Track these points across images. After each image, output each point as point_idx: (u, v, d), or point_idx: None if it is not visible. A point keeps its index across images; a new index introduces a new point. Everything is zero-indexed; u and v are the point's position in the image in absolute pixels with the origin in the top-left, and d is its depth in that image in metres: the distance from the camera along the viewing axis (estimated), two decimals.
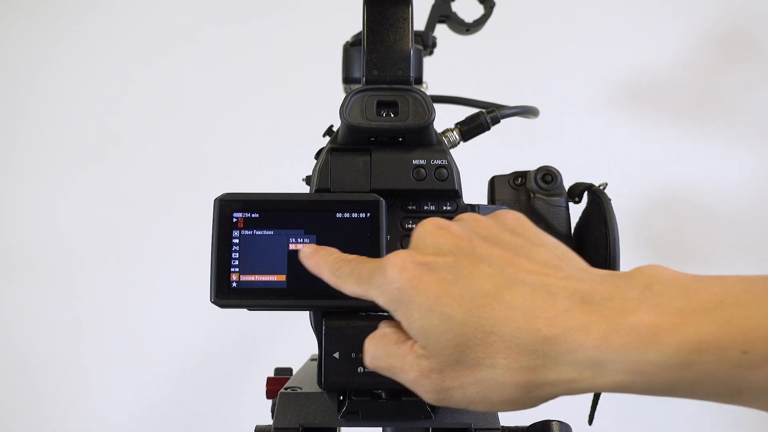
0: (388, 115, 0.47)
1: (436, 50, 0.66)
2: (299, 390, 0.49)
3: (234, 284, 0.44)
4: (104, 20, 1.38)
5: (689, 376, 0.29)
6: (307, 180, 0.56)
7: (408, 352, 0.35)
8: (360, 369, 0.44)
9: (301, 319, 0.54)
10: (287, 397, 0.48)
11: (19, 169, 1.35)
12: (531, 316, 0.32)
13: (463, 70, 1.25)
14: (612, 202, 0.50)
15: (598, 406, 0.54)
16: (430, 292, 0.34)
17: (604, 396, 0.54)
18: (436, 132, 0.49)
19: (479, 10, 0.66)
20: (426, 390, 0.35)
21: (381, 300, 0.36)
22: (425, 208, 0.48)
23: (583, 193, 0.53)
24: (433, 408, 0.46)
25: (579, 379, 0.32)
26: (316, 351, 0.53)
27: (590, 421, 0.54)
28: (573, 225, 0.54)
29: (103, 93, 1.37)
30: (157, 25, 1.38)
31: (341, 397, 0.47)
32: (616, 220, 0.49)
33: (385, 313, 0.46)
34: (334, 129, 0.51)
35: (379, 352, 0.37)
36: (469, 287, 0.34)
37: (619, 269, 0.51)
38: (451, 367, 0.34)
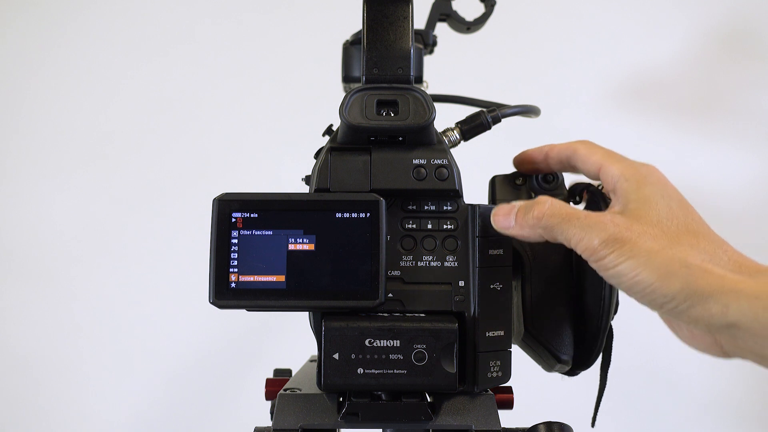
0: (388, 114, 0.47)
1: (436, 49, 0.66)
2: (299, 391, 0.48)
3: (233, 285, 0.44)
4: (99, 18, 1.38)
5: None
6: (307, 180, 0.56)
7: (604, 213, 0.43)
8: (360, 370, 0.44)
9: (301, 319, 0.54)
10: (287, 398, 0.48)
11: (14, 168, 1.35)
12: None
13: (464, 69, 1.24)
14: None
15: (600, 408, 0.54)
16: (671, 188, 0.45)
17: (607, 398, 0.54)
18: (436, 131, 0.49)
19: (480, 9, 0.66)
20: (602, 228, 0.41)
21: (623, 171, 0.45)
22: (425, 207, 0.48)
23: (583, 192, 0.53)
24: (434, 409, 0.46)
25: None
26: (315, 352, 0.52)
27: (593, 423, 0.54)
28: None
29: (98, 92, 1.36)
30: (152, 22, 1.38)
31: (341, 399, 0.47)
32: None
33: (385, 314, 0.46)
34: (334, 128, 0.51)
35: (564, 205, 0.44)
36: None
37: None
38: (644, 229, 0.41)
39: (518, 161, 0.53)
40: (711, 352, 0.42)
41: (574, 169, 0.50)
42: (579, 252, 0.43)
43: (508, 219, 0.46)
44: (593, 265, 0.43)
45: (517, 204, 0.46)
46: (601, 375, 0.53)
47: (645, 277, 0.40)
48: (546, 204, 0.44)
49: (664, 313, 0.41)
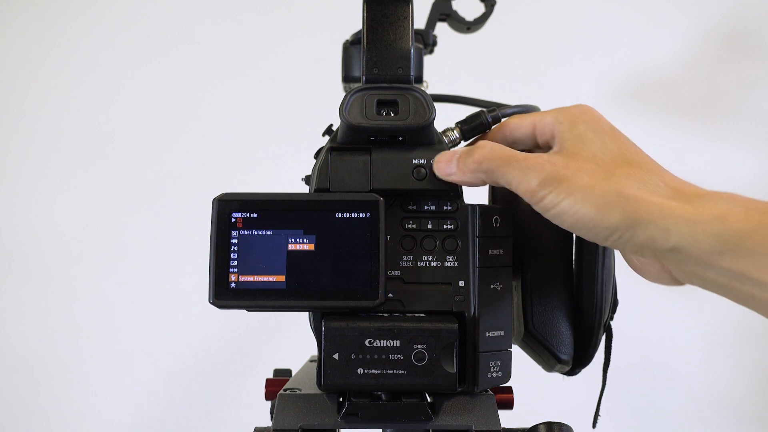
0: (388, 114, 0.47)
1: (436, 49, 0.66)
2: (298, 391, 0.48)
3: (233, 285, 0.44)
4: (99, 18, 1.38)
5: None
6: (307, 180, 0.56)
7: (541, 154, 0.44)
8: (360, 370, 0.44)
9: (301, 320, 0.54)
10: (286, 398, 0.48)
11: (14, 168, 1.35)
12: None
13: (464, 69, 1.24)
14: None
15: (601, 408, 0.54)
16: (604, 123, 0.45)
17: (606, 398, 0.54)
18: (436, 131, 0.48)
19: (480, 9, 0.66)
20: (540, 169, 0.42)
21: (556, 116, 0.46)
22: (425, 207, 0.48)
23: None
24: (434, 409, 0.46)
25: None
26: (315, 352, 0.52)
27: (594, 424, 0.54)
28: None
29: (98, 92, 1.36)
30: (152, 22, 1.38)
31: (341, 399, 0.47)
32: None
33: (385, 314, 0.46)
34: (334, 128, 0.51)
35: (503, 147, 0.45)
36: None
37: (612, 268, 0.51)
38: (580, 165, 0.42)
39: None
40: (662, 280, 0.43)
41: (514, 144, 0.49)
42: (521, 195, 0.44)
43: (450, 165, 0.46)
44: (536, 208, 0.43)
45: (459, 150, 0.47)
46: (602, 375, 0.53)
47: (585, 212, 0.40)
48: (486, 148, 0.45)
49: (611, 246, 0.42)
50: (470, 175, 0.45)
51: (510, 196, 0.50)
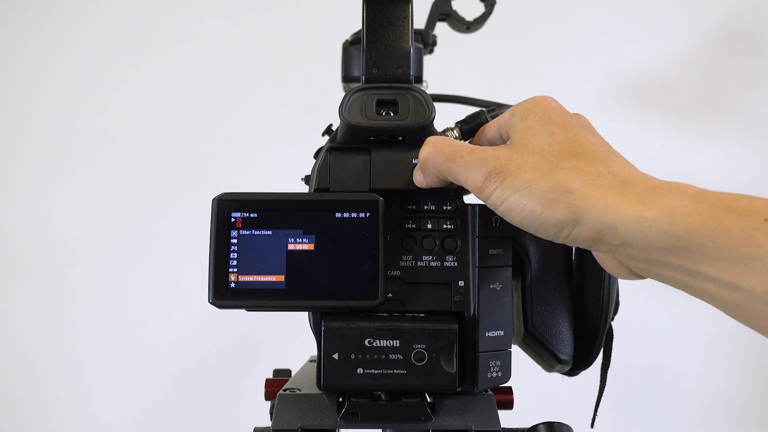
0: (387, 114, 0.47)
1: (436, 49, 0.66)
2: (298, 391, 0.48)
3: (232, 285, 0.44)
4: (99, 18, 1.38)
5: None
6: (306, 179, 0.56)
7: (486, 147, 0.43)
8: (359, 370, 0.44)
9: (300, 320, 0.54)
10: (286, 398, 0.48)
11: (14, 168, 1.35)
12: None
13: (464, 68, 1.24)
14: None
15: (600, 409, 0.54)
16: (555, 114, 0.43)
17: (606, 399, 0.53)
18: (436, 131, 0.48)
19: (480, 8, 0.66)
20: (484, 164, 0.41)
21: (512, 109, 0.45)
22: (425, 207, 0.48)
23: None
24: (433, 409, 0.46)
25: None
26: (315, 352, 0.52)
27: (592, 424, 0.54)
28: None
29: (97, 92, 1.36)
30: (151, 22, 1.38)
31: (340, 399, 0.47)
32: None
33: (385, 314, 0.46)
34: (334, 128, 0.51)
35: (447, 143, 0.44)
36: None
37: None
38: (524, 159, 0.41)
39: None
40: (623, 274, 0.41)
41: (491, 143, 0.48)
42: (471, 191, 0.43)
43: (418, 173, 0.46)
44: (487, 205, 0.42)
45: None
46: (601, 375, 0.53)
47: (531, 208, 0.39)
48: (429, 145, 0.44)
49: (563, 242, 0.40)
50: (429, 177, 0.45)
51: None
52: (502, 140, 0.47)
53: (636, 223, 0.36)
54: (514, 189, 0.40)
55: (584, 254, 0.51)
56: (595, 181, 0.39)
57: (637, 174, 0.40)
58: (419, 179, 0.46)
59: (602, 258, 0.42)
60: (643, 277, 0.40)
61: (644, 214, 0.36)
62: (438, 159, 0.43)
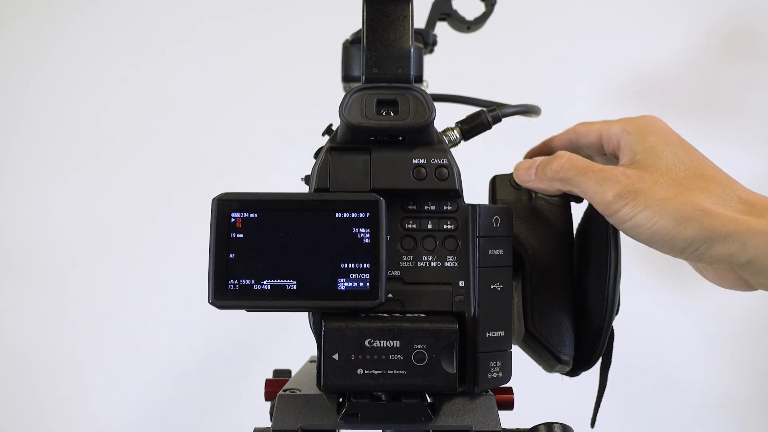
0: (387, 113, 0.47)
1: (436, 48, 0.66)
2: (298, 392, 0.48)
3: (232, 285, 0.44)
4: (98, 18, 1.38)
5: None
6: (306, 179, 0.56)
7: (616, 166, 0.45)
8: (359, 371, 0.44)
9: (300, 320, 0.54)
10: (286, 399, 0.48)
11: (13, 169, 1.35)
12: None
13: (464, 68, 1.24)
14: None
15: (600, 409, 0.54)
16: (672, 135, 0.47)
17: (607, 399, 0.53)
18: (436, 131, 0.48)
19: (480, 8, 0.65)
20: (616, 182, 0.43)
21: (624, 126, 0.47)
22: (425, 207, 0.48)
23: None
24: (434, 410, 0.46)
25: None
26: (315, 352, 0.52)
27: (592, 424, 0.54)
28: (575, 225, 0.53)
29: (97, 92, 1.36)
30: (151, 22, 1.38)
31: (341, 399, 0.47)
32: None
33: (385, 315, 0.45)
34: (334, 128, 0.51)
35: (580, 158, 0.46)
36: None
37: (621, 270, 0.51)
38: (655, 179, 0.43)
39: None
40: (737, 287, 0.44)
41: (579, 150, 0.52)
42: (595, 206, 0.45)
43: (529, 172, 0.48)
44: (611, 220, 0.44)
45: (538, 159, 0.49)
46: (600, 376, 0.53)
47: (662, 225, 0.41)
48: (564, 157, 0.46)
49: (686, 258, 0.43)
50: (547, 182, 0.47)
51: (511, 196, 0.50)
52: (599, 150, 0.50)
53: (765, 240, 0.39)
54: (645, 206, 0.42)
55: (587, 254, 0.51)
56: (724, 203, 0.42)
57: (758, 195, 0.43)
58: (526, 178, 0.49)
59: (719, 273, 0.45)
60: (755, 289, 0.44)
61: None
62: (572, 172, 0.45)
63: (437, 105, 0.48)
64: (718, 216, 0.41)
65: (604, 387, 0.53)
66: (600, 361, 0.52)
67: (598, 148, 0.51)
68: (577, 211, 0.54)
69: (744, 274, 0.42)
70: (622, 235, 0.48)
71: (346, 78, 0.65)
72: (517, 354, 0.51)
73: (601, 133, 0.49)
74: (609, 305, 0.50)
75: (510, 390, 0.54)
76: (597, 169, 0.45)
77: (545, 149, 0.54)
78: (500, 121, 0.55)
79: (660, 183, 0.43)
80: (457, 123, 0.54)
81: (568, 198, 0.52)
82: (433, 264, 0.47)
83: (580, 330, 0.51)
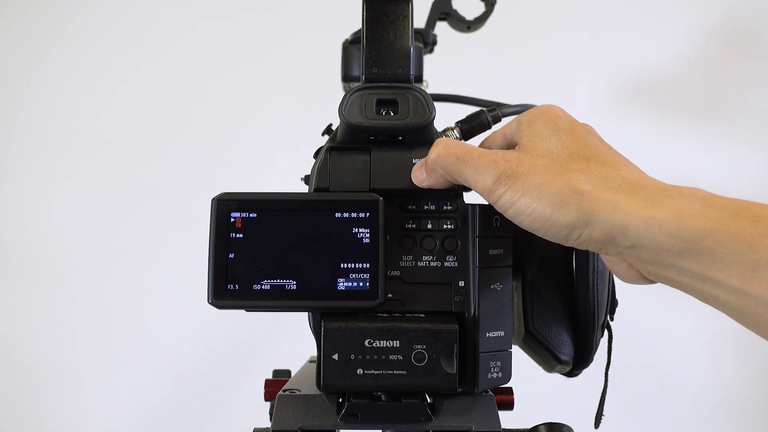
0: (387, 113, 0.47)
1: (436, 48, 0.66)
2: (298, 392, 0.48)
3: (232, 285, 0.44)
4: (97, 18, 1.38)
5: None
6: (306, 179, 0.56)
7: (496, 151, 0.43)
8: (359, 371, 0.44)
9: (300, 320, 0.54)
10: (286, 399, 0.47)
11: (12, 169, 1.35)
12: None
13: (464, 68, 1.24)
14: None
15: (604, 409, 0.54)
16: (562, 120, 0.44)
17: (607, 399, 0.53)
18: (436, 131, 0.48)
19: (480, 8, 0.65)
20: (494, 167, 0.41)
21: (519, 117, 0.45)
22: (425, 207, 0.48)
23: None
24: (434, 410, 0.46)
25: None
26: (314, 352, 0.52)
27: (596, 424, 0.54)
28: None
29: (96, 92, 1.36)
30: (149, 22, 1.38)
31: (340, 399, 0.47)
32: None
33: (385, 315, 0.45)
34: (333, 128, 0.50)
35: (457, 145, 0.44)
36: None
37: (604, 268, 0.51)
38: (534, 162, 0.41)
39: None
40: (632, 279, 0.41)
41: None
42: (480, 194, 0.43)
43: (421, 171, 0.46)
44: (496, 207, 0.42)
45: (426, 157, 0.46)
46: (605, 376, 0.53)
47: (540, 210, 0.40)
48: (440, 145, 0.44)
49: (572, 244, 0.40)
50: (434, 177, 0.45)
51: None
52: (508, 148, 0.47)
53: (646, 224, 0.36)
54: (523, 191, 0.40)
55: (584, 253, 0.51)
56: (605, 184, 0.39)
57: (646, 178, 0.40)
58: (420, 178, 0.46)
59: (612, 261, 0.42)
60: (652, 282, 0.40)
61: (654, 216, 0.36)
62: (448, 160, 0.43)
63: (437, 105, 0.48)
64: (595, 197, 0.38)
65: (606, 387, 0.53)
66: (603, 361, 0.52)
67: (508, 147, 0.48)
68: None
69: (632, 262, 0.40)
70: None
71: (346, 78, 0.65)
72: (517, 354, 0.51)
73: (505, 132, 0.47)
74: (592, 306, 0.50)
75: (510, 390, 0.54)
76: (476, 155, 0.43)
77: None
78: (500, 121, 0.55)
79: (539, 165, 0.41)
80: (457, 123, 0.54)
81: None
82: (433, 264, 0.47)
83: (576, 329, 0.51)
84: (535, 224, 0.40)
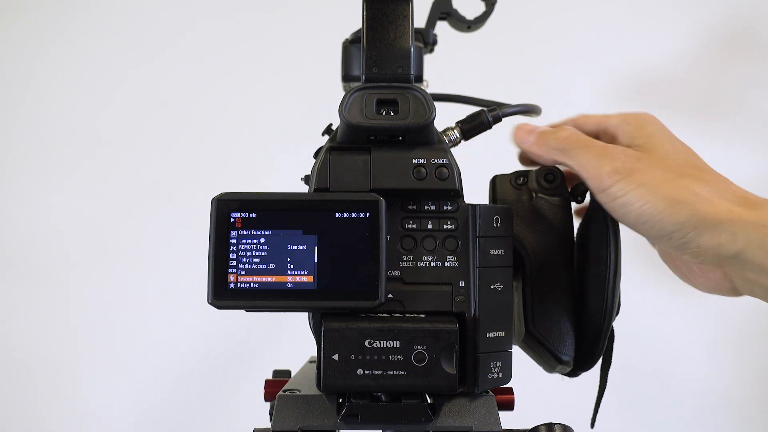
0: (387, 113, 0.46)
1: (436, 48, 0.66)
2: (298, 392, 0.48)
3: (232, 285, 0.44)
4: (97, 18, 1.38)
5: None
6: (306, 179, 0.55)
7: (617, 145, 0.45)
8: (359, 371, 0.44)
9: (300, 320, 0.54)
10: (286, 399, 0.47)
11: (12, 169, 1.35)
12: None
13: (464, 68, 1.24)
14: None
15: (600, 409, 0.54)
16: (669, 131, 0.47)
17: (607, 399, 0.53)
18: (436, 131, 0.48)
19: (480, 7, 0.65)
20: (614, 158, 0.43)
21: (623, 117, 0.47)
22: (425, 207, 0.48)
23: (585, 193, 0.52)
24: (434, 410, 0.46)
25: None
26: (314, 353, 0.52)
27: (592, 424, 0.54)
28: (575, 225, 0.53)
29: (96, 92, 1.36)
30: (149, 22, 1.38)
31: (340, 400, 0.47)
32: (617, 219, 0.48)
33: (385, 315, 0.45)
34: (333, 128, 0.50)
35: (582, 134, 0.46)
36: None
37: (620, 269, 0.50)
38: (653, 161, 0.43)
39: (522, 155, 0.54)
40: (720, 289, 0.43)
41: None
42: (587, 180, 0.44)
43: (529, 136, 0.48)
44: (600, 197, 0.44)
45: (541, 126, 0.49)
46: (601, 376, 0.53)
47: (653, 205, 0.41)
48: (569, 130, 0.47)
49: (671, 245, 0.42)
50: (545, 150, 0.47)
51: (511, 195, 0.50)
52: (597, 137, 0.49)
53: (756, 231, 0.38)
54: (639, 184, 0.42)
55: (587, 254, 0.51)
56: (719, 194, 0.41)
57: (750, 193, 0.43)
58: (527, 140, 0.48)
59: (703, 270, 0.44)
60: (740, 294, 0.42)
61: (765, 223, 0.38)
62: (574, 143, 0.45)
63: (437, 105, 0.47)
64: (711, 203, 0.40)
65: (604, 387, 0.53)
66: (600, 361, 0.52)
67: (595, 137, 0.50)
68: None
69: (730, 271, 0.41)
70: (622, 234, 0.48)
71: (346, 78, 0.65)
72: (517, 354, 0.51)
73: (599, 123, 0.49)
74: (609, 306, 0.49)
75: (510, 390, 0.54)
76: (599, 145, 0.45)
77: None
78: (501, 120, 0.55)
79: (658, 166, 0.43)
80: (458, 123, 0.54)
81: (568, 198, 0.52)
82: (433, 264, 0.47)
83: (580, 330, 0.51)
84: (642, 218, 0.42)
